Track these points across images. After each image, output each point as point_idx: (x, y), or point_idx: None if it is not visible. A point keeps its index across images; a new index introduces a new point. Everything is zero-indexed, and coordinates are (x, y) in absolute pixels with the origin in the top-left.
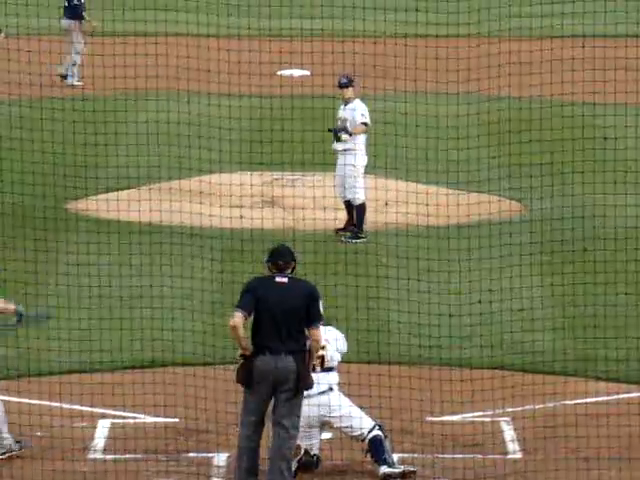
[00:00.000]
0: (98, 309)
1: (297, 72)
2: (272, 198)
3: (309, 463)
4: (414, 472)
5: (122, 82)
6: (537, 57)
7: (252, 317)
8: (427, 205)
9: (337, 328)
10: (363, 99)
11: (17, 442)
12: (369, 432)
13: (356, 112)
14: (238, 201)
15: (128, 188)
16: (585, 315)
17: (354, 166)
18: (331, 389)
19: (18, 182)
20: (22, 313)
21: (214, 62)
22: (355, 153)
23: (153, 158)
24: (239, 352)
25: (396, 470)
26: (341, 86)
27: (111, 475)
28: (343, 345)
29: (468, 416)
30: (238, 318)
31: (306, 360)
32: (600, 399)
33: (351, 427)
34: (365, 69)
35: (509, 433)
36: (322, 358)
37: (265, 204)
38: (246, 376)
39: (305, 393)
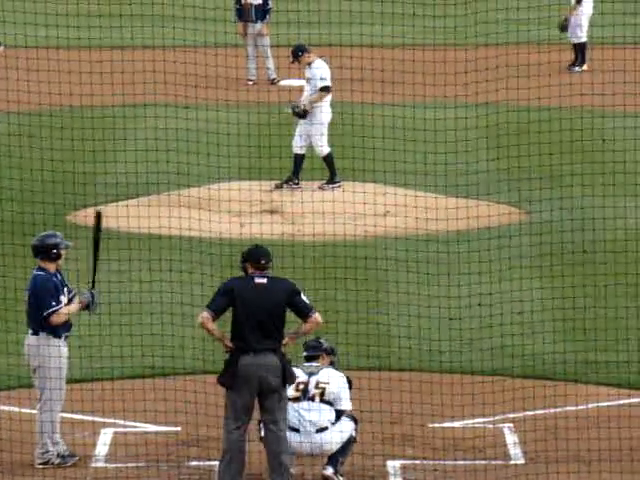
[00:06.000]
0: (98, 317)
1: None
2: (272, 206)
3: None
4: None
5: (120, 93)
6: (527, 61)
7: (232, 318)
8: (426, 209)
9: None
10: (324, 58)
11: (60, 456)
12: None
13: (316, 76)
14: (238, 209)
15: (127, 198)
16: (586, 318)
17: (321, 124)
18: (326, 428)
19: (17, 191)
20: (91, 297)
21: (212, 70)
22: (320, 110)
23: (152, 168)
24: (223, 349)
25: None
26: (296, 57)
27: None
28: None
29: (469, 422)
30: (204, 317)
31: (286, 355)
32: (601, 404)
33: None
34: (364, 75)
35: (511, 438)
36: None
37: (265, 212)
38: (230, 378)
39: (302, 430)
